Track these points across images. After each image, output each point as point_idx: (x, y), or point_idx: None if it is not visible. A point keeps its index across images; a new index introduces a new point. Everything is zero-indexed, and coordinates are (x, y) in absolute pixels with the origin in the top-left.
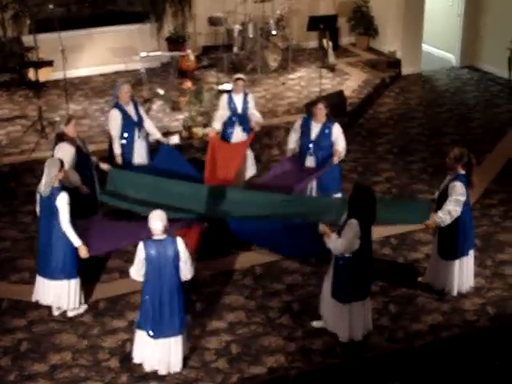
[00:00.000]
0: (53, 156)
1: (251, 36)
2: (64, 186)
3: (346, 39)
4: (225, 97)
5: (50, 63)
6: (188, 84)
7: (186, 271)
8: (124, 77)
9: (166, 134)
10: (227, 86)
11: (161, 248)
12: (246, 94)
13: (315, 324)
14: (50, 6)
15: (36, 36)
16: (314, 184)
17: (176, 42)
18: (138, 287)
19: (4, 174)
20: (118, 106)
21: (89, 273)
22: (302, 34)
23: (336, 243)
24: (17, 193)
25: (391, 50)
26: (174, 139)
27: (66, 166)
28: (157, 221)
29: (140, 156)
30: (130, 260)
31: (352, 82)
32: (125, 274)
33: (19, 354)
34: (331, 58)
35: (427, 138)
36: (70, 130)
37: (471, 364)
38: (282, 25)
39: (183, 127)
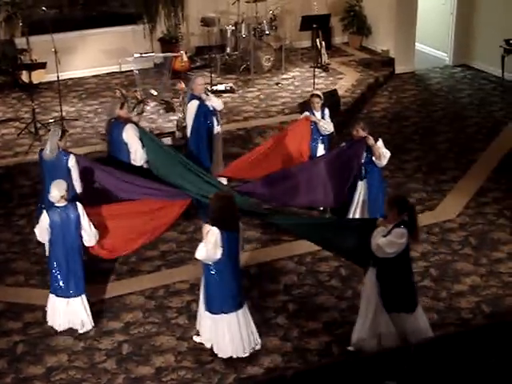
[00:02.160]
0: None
1: (244, 36)
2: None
3: (338, 38)
4: (307, 114)
5: (43, 65)
6: (181, 85)
7: (88, 236)
8: (117, 78)
9: (159, 135)
10: (221, 87)
11: (63, 214)
12: (323, 110)
13: (195, 338)
14: (43, 8)
15: (29, 38)
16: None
17: (169, 42)
18: (135, 288)
19: None
20: (195, 97)
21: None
22: (295, 34)
23: (199, 248)
24: (11, 195)
25: (384, 49)
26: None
27: (138, 143)
28: (54, 189)
29: (218, 142)
30: (124, 262)
31: (346, 82)
32: (120, 275)
33: (15, 356)
34: (324, 58)
35: (421, 136)
36: (124, 113)
37: (467, 362)
38: (275, 25)
39: (177, 128)
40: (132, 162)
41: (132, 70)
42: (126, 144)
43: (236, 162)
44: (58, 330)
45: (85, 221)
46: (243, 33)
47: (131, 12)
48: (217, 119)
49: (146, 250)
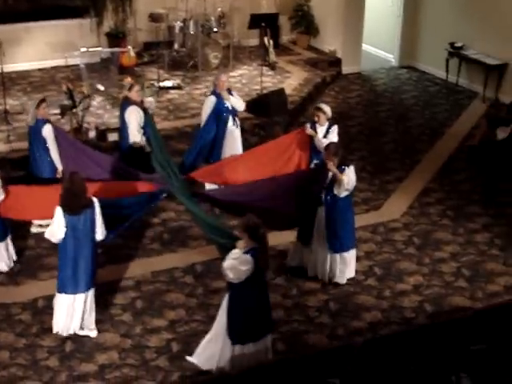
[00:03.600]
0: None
1: (192, 33)
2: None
3: (286, 37)
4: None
5: None
6: (128, 80)
7: None
8: (63, 72)
9: (105, 130)
10: (168, 83)
11: None
12: (330, 125)
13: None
14: None
15: None
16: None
17: (116, 37)
18: None
19: None
20: (214, 93)
21: (28, 271)
22: (244, 32)
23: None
24: None
25: (332, 49)
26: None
27: (134, 126)
28: None
29: (232, 143)
30: None
31: (293, 81)
32: None
33: None
34: (272, 56)
35: (366, 136)
36: (132, 95)
37: (410, 361)
38: (224, 22)
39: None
40: (130, 142)
41: (78, 64)
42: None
43: (211, 166)
44: None
45: None
46: (191, 29)
47: (78, 5)
48: (234, 119)
49: None
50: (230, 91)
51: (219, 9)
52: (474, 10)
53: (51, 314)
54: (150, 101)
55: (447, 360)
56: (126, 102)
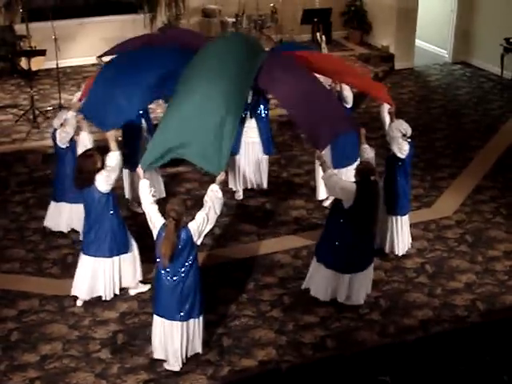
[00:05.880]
0: None
1: (245, 28)
2: None
3: (339, 33)
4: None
5: (42, 52)
6: None
7: None
8: None
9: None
10: None
11: None
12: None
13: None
14: None
15: (28, 25)
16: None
17: None
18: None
19: None
20: None
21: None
22: (296, 27)
23: None
24: (8, 182)
25: (384, 45)
26: None
27: None
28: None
29: None
30: None
31: None
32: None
33: (10, 343)
34: (324, 51)
35: (419, 133)
36: None
37: (462, 359)
38: (276, 17)
39: None
40: None
41: None
42: None
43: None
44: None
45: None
46: (244, 25)
47: (132, 1)
48: None
49: None
50: None
51: (272, 4)
52: None
53: (104, 307)
54: None
55: (500, 359)
56: None
